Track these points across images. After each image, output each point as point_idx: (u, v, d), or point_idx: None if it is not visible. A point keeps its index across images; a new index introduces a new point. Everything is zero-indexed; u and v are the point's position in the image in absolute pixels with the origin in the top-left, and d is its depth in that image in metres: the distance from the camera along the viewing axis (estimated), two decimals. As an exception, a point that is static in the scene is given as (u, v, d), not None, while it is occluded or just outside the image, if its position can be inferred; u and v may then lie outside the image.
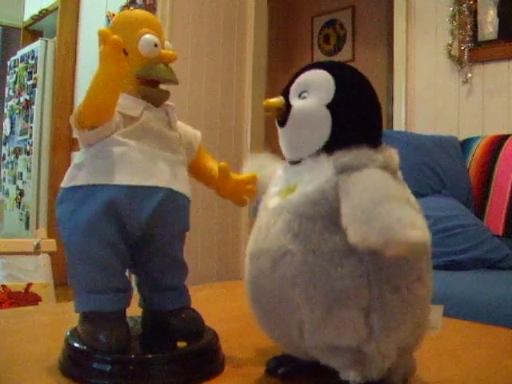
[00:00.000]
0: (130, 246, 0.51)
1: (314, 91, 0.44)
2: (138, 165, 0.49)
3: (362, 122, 0.44)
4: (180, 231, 0.54)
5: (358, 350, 0.40)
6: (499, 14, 2.03)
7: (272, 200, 0.45)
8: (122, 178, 0.49)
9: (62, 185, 0.51)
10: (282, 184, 0.46)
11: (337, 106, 0.43)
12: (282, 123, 0.46)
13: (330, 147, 0.43)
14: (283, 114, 0.46)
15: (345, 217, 0.38)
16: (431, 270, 0.43)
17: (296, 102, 0.45)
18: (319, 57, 3.75)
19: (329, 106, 0.43)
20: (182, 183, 0.53)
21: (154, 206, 0.49)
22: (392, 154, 0.43)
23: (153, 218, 0.50)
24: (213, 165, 0.58)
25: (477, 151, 1.80)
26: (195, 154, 0.58)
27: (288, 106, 0.46)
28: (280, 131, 0.47)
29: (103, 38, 0.45)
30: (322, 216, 0.40)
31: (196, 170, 0.58)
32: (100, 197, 0.48)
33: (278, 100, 0.46)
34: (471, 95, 2.11)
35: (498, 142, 1.75)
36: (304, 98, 0.45)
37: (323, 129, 0.43)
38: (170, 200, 0.51)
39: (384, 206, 0.36)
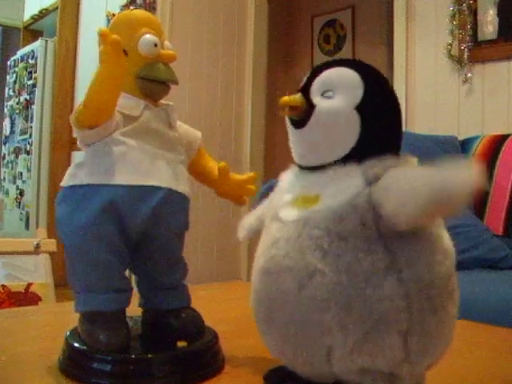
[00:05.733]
0: (129, 245, 0.51)
1: (340, 91, 0.40)
2: (137, 164, 0.49)
3: (389, 127, 0.41)
4: (179, 231, 0.54)
5: (390, 373, 0.37)
6: (499, 14, 2.03)
7: (286, 210, 0.41)
8: (122, 178, 0.49)
9: (62, 184, 0.51)
10: (296, 192, 0.42)
11: (366, 108, 0.40)
12: (301, 124, 0.42)
13: (356, 153, 0.39)
14: (304, 114, 0.41)
15: (392, 199, 0.35)
16: (458, 287, 0.40)
17: (321, 102, 0.41)
18: (319, 57, 3.74)
19: (358, 108, 0.40)
20: (181, 183, 0.52)
21: (154, 206, 0.49)
22: (414, 163, 0.40)
23: (152, 218, 0.50)
24: (213, 165, 0.58)
25: (477, 151, 1.79)
26: (195, 154, 0.58)
27: (310, 105, 0.41)
28: (296, 132, 0.43)
29: (103, 37, 0.45)
30: (353, 233, 0.37)
31: (196, 170, 0.58)
32: (99, 197, 0.48)
33: (298, 97, 0.41)
34: (471, 95, 2.11)
35: (498, 142, 1.75)
36: (329, 97, 0.41)
37: (351, 132, 0.40)
38: (169, 200, 0.51)
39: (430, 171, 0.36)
